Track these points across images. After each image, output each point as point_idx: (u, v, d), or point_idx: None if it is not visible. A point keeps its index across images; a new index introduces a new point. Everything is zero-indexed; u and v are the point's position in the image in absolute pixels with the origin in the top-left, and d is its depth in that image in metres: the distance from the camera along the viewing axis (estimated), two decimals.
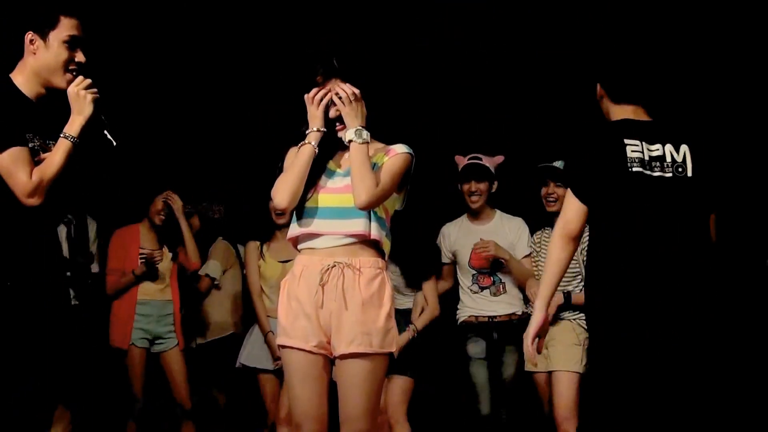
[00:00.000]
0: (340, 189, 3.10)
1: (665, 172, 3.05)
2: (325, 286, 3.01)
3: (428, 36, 5.54)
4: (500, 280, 4.68)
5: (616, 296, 3.02)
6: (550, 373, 4.43)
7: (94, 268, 5.25)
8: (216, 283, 5.38)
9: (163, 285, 5.05)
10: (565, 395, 4.31)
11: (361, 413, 2.98)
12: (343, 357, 3.01)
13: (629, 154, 3.02)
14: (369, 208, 3.04)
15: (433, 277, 4.72)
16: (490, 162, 4.75)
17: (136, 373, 4.98)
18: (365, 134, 3.07)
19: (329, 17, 5.44)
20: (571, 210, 3.10)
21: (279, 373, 4.67)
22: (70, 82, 3.00)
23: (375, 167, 3.10)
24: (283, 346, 3.09)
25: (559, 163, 4.58)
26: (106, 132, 2.99)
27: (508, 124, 5.53)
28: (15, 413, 3.07)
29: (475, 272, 4.72)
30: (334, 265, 3.02)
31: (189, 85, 5.70)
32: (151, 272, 4.99)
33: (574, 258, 4.44)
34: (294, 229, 3.15)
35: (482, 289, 4.70)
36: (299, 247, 3.16)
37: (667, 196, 3.04)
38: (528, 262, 4.68)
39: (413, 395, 4.62)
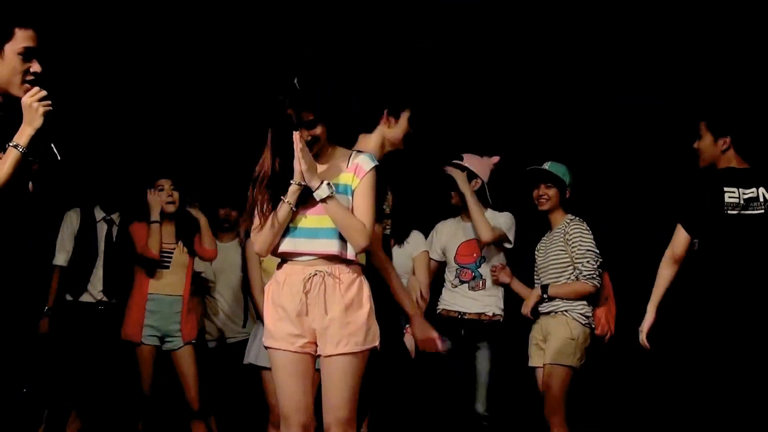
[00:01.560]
0: (314, 210, 3.24)
1: (757, 210, 3.88)
2: (308, 294, 3.19)
3: (428, 36, 5.55)
4: (481, 276, 4.74)
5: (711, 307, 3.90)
6: None
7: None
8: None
9: (174, 280, 5.04)
10: (553, 388, 4.36)
11: (345, 402, 3.18)
12: (330, 355, 3.20)
13: (726, 200, 3.87)
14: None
15: (424, 252, 4.76)
16: (474, 161, 4.78)
17: (146, 371, 4.98)
18: (327, 187, 3.18)
19: (330, 17, 5.46)
20: (681, 239, 3.95)
21: None
22: (27, 92, 3.03)
23: (347, 190, 3.25)
24: (269, 348, 3.27)
25: (548, 165, 4.62)
26: (52, 145, 3.03)
27: (507, 124, 5.54)
28: (15, 413, 3.11)
29: (458, 267, 4.79)
30: (315, 274, 3.20)
31: (195, 84, 5.72)
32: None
33: (564, 252, 4.50)
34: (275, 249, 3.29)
35: (462, 282, 4.76)
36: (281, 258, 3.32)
37: (759, 229, 3.88)
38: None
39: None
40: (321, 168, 3.28)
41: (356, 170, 3.27)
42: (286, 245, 3.24)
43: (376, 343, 3.25)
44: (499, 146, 4.92)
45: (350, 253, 3.23)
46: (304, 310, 3.19)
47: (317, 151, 3.27)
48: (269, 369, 4.74)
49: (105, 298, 5.14)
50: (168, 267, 5.07)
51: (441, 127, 5.64)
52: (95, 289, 5.14)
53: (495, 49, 5.56)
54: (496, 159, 4.83)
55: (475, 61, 5.61)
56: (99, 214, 5.25)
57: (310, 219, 3.23)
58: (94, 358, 5.04)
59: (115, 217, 5.28)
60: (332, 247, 3.20)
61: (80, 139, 5.27)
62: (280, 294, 3.23)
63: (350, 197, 3.25)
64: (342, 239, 3.21)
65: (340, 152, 3.33)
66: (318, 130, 3.23)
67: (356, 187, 3.25)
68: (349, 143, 3.49)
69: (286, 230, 3.24)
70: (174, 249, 5.09)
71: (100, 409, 5.15)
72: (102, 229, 5.24)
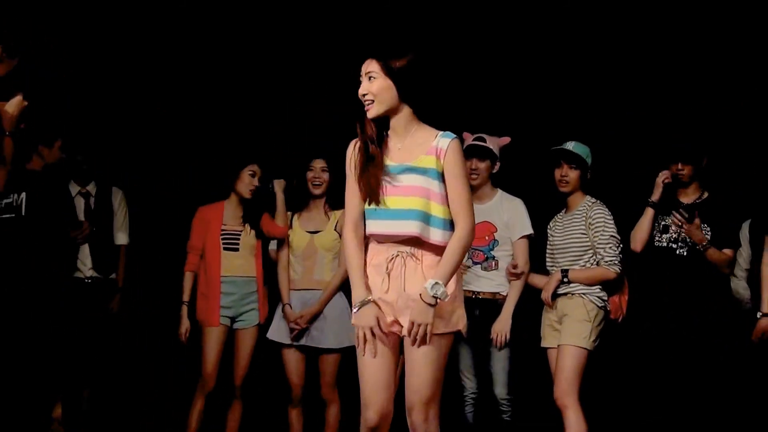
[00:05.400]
0: (399, 190, 3.26)
1: None
2: (390, 274, 3.26)
3: (437, 14, 5.53)
4: (494, 257, 4.72)
5: None
6: None
7: (122, 239, 5.40)
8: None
9: (244, 262, 5.03)
10: (567, 369, 4.34)
11: (428, 383, 3.23)
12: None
13: None
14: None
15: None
16: (494, 142, 4.77)
17: (213, 352, 4.96)
18: (440, 290, 3.17)
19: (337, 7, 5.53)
20: None
21: (301, 348, 4.87)
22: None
23: (432, 173, 3.23)
24: (356, 325, 3.30)
25: (571, 146, 4.60)
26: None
27: (518, 106, 5.54)
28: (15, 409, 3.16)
29: (471, 249, 4.73)
30: (398, 255, 3.26)
31: (246, 69, 5.84)
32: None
33: (585, 236, 4.50)
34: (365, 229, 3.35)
35: (475, 264, 4.73)
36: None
37: None
38: (524, 243, 4.71)
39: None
40: (401, 146, 3.28)
41: (437, 153, 3.24)
42: (375, 226, 3.29)
43: (460, 327, 3.29)
44: (507, 128, 4.92)
45: (434, 238, 3.23)
46: (386, 290, 3.25)
47: (380, 116, 3.24)
48: (289, 346, 4.85)
49: (96, 275, 5.23)
50: (237, 250, 5.05)
51: (452, 108, 5.66)
52: (85, 267, 5.23)
53: (504, 29, 5.58)
54: (507, 140, 4.82)
55: (486, 41, 5.62)
56: (74, 189, 5.29)
57: (394, 200, 3.25)
58: (88, 334, 5.11)
59: (90, 188, 5.34)
60: (413, 228, 3.21)
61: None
62: (372, 275, 3.31)
63: (438, 181, 3.23)
64: (425, 222, 3.22)
65: (424, 132, 3.29)
66: (374, 86, 3.20)
67: (443, 170, 3.24)
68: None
69: (373, 212, 3.28)
70: (241, 232, 5.06)
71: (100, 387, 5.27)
72: (80, 204, 5.28)
